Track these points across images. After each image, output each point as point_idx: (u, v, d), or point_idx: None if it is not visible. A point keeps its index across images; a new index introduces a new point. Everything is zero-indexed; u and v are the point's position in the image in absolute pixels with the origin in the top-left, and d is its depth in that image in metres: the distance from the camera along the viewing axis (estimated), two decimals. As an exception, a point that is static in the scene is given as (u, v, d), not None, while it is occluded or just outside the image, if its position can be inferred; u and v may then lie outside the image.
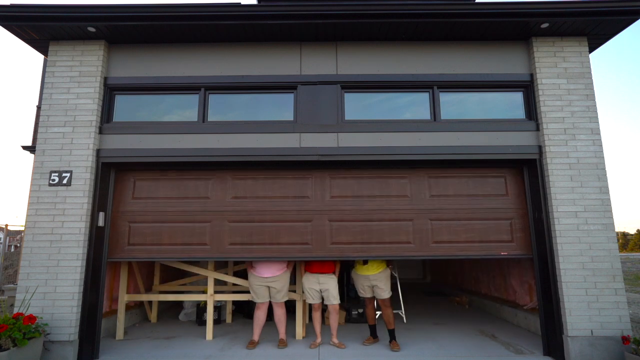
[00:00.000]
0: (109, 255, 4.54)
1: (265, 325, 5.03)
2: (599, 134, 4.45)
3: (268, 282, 4.63)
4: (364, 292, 4.69)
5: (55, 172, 4.38)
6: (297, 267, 5.13)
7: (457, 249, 4.57)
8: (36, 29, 4.49)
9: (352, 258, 4.65)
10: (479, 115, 4.72)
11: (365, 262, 4.60)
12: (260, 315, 4.74)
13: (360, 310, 5.86)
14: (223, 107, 4.85)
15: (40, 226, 4.29)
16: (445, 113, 4.71)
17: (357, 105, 4.77)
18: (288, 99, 4.78)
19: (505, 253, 4.54)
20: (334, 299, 4.60)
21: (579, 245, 4.22)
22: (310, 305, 5.31)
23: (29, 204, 4.42)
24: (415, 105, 4.84)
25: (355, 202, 4.69)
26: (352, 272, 4.82)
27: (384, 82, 4.73)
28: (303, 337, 5.00)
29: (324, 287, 4.58)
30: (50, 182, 4.36)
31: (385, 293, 4.56)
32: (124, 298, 5.21)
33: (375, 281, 4.57)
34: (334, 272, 4.66)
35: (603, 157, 4.40)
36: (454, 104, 4.78)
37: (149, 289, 6.29)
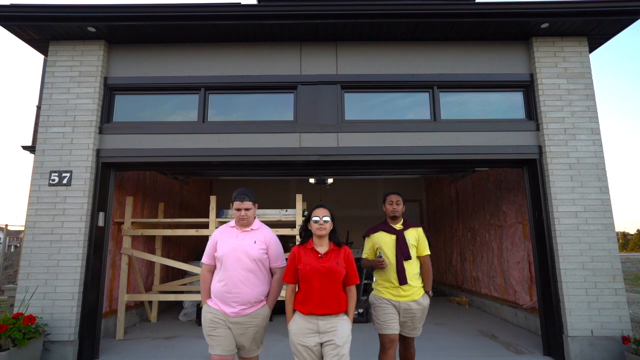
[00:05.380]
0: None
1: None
2: (599, 134, 4.45)
3: (233, 322, 2.66)
4: (388, 327, 3.05)
5: (55, 172, 4.38)
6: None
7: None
8: (36, 29, 4.49)
9: None
10: (479, 115, 4.72)
11: (403, 281, 3.05)
12: None
13: (361, 310, 5.85)
14: (223, 107, 4.85)
15: (40, 226, 4.28)
16: (446, 113, 4.71)
17: (357, 105, 4.77)
18: (288, 99, 4.78)
19: None
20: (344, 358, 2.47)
21: (579, 245, 4.21)
22: None
23: (29, 204, 4.42)
24: (415, 105, 4.83)
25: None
26: (374, 295, 3.20)
27: (384, 82, 4.73)
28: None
29: (327, 336, 2.49)
30: (50, 182, 4.36)
31: (418, 330, 3.20)
32: (124, 298, 5.21)
33: (411, 312, 3.07)
34: (346, 312, 2.57)
35: (603, 157, 4.40)
36: (454, 104, 4.77)
37: (149, 289, 6.30)
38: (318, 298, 2.50)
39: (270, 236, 2.85)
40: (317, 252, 2.61)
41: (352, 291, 2.65)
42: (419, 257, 3.21)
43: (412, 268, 3.12)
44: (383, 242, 3.19)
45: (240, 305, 2.64)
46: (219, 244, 2.76)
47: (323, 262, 2.56)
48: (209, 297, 2.77)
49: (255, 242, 2.76)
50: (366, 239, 3.36)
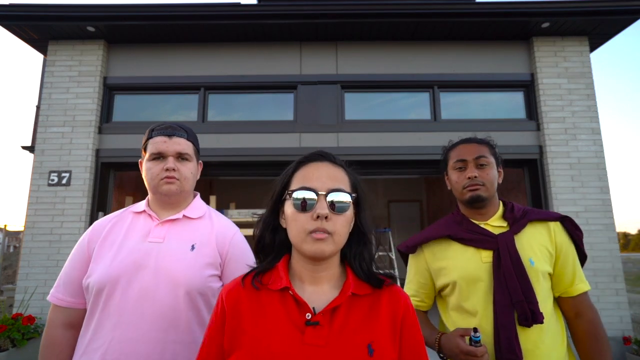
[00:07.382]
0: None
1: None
2: (600, 133, 4.44)
3: None
4: None
5: (54, 172, 4.37)
6: None
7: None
8: (35, 29, 4.48)
9: None
10: (479, 115, 4.71)
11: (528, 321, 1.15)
12: None
13: None
14: (223, 107, 4.84)
15: (39, 226, 4.27)
16: (446, 113, 4.70)
17: (357, 105, 4.76)
18: (288, 98, 4.77)
19: None
20: None
21: (579, 245, 4.20)
22: None
23: (28, 204, 4.40)
24: (415, 105, 4.83)
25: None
26: None
27: (384, 82, 4.72)
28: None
29: None
30: (50, 182, 4.35)
31: None
32: (123, 298, 5.18)
33: None
34: None
35: (604, 157, 4.39)
36: (454, 104, 4.77)
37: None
38: None
39: (230, 236, 1.25)
40: (304, 307, 0.82)
41: None
42: (560, 299, 1.29)
43: (544, 338, 1.21)
44: (459, 268, 1.33)
45: None
46: (98, 254, 1.18)
47: (318, 339, 0.78)
48: None
49: (193, 247, 1.19)
50: (410, 257, 1.50)
